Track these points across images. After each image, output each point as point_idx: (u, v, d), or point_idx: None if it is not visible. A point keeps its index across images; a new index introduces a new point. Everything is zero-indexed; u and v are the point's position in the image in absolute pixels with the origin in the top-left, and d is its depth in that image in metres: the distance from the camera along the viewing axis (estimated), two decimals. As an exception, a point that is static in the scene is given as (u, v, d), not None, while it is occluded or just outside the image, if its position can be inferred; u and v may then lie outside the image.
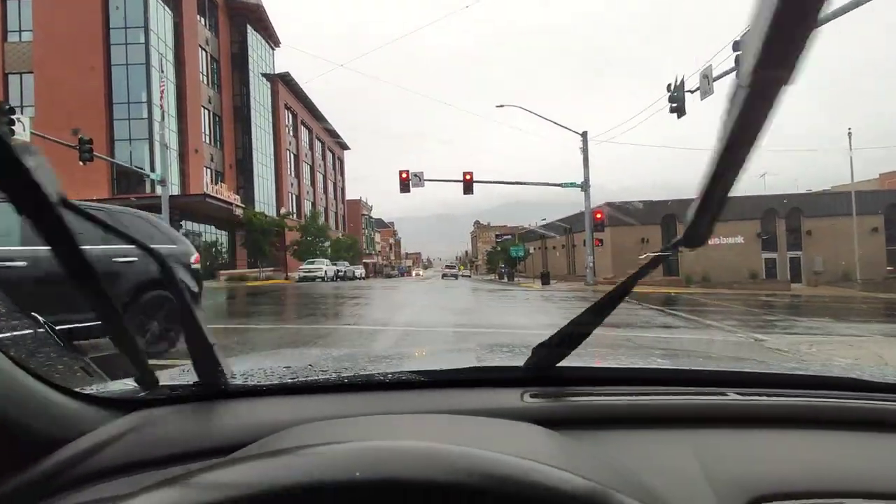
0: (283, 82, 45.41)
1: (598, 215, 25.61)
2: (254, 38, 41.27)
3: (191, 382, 0.82)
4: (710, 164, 0.55)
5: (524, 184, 42.34)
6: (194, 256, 6.04)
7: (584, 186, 25.43)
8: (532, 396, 0.81)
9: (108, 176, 28.48)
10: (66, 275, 0.62)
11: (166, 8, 31.07)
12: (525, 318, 10.59)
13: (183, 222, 28.55)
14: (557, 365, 0.86)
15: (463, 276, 66.28)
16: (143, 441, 0.70)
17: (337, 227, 62.05)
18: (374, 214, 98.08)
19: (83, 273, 0.64)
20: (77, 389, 0.74)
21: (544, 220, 50.25)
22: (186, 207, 28.37)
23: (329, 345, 6.72)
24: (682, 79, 15.10)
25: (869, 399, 0.84)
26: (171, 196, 25.80)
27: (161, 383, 0.82)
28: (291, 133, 48.61)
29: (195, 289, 5.84)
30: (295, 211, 46.00)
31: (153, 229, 5.71)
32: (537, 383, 0.87)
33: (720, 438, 0.74)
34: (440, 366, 0.94)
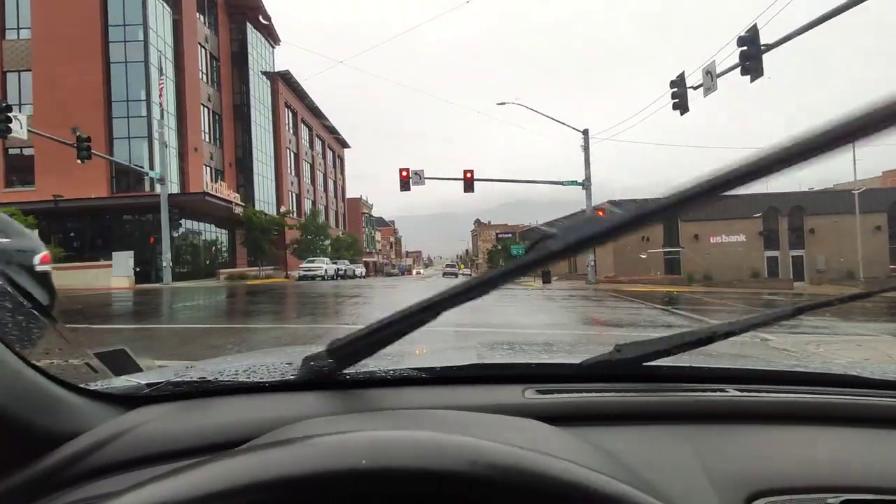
0: (283, 80, 45.27)
1: (600, 213, 25.44)
2: (253, 36, 41.12)
3: (195, 379, 0.84)
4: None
5: (525, 182, 42.25)
6: (40, 255, 4.58)
7: (586, 184, 25.32)
8: (534, 393, 0.82)
9: (107, 174, 28.36)
10: None
11: (165, 5, 30.92)
12: (527, 317, 10.48)
13: (182, 221, 28.47)
14: (558, 362, 0.85)
15: (463, 274, 66.37)
16: (146, 437, 0.69)
17: (337, 226, 61.97)
18: (375, 213, 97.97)
19: None
20: (81, 385, 0.74)
21: (535, 219, 50.15)
22: (186, 206, 28.27)
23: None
24: (684, 74, 14.94)
25: (869, 395, 0.84)
26: (170, 194, 25.74)
27: (165, 380, 0.82)
28: (291, 131, 48.49)
29: (44, 299, 4.22)
30: (295, 209, 45.93)
31: None
32: (539, 380, 0.87)
33: (720, 434, 0.75)
34: (441, 363, 0.93)
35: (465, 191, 23.50)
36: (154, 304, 14.17)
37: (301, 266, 33.93)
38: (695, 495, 0.60)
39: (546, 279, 29.61)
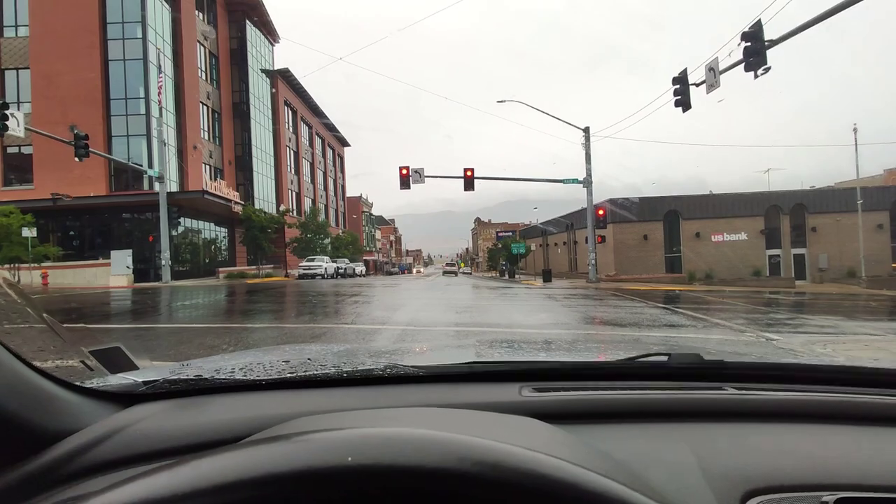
0: (282, 78, 45.10)
1: (601, 212, 25.39)
2: (253, 34, 40.97)
3: (191, 376, 0.83)
4: None
5: (525, 180, 42.16)
6: None
7: (586, 182, 25.19)
8: (530, 391, 0.81)
9: (105, 172, 28.23)
10: None
11: (164, 3, 30.76)
12: (527, 316, 10.36)
13: (181, 219, 28.35)
14: (555, 360, 0.87)
15: (463, 273, 66.40)
16: (143, 434, 0.70)
17: (337, 224, 61.86)
18: (375, 211, 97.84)
19: None
20: (77, 383, 0.74)
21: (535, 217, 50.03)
22: (185, 204, 28.14)
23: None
24: (686, 71, 14.81)
25: (864, 393, 0.84)
26: (169, 193, 25.62)
27: (161, 377, 0.82)
28: (291, 129, 48.34)
29: None
30: (295, 208, 45.82)
31: None
32: (535, 378, 0.87)
33: (716, 432, 0.75)
34: (439, 361, 0.93)
35: (466, 189, 23.37)
36: (152, 303, 14.06)
37: (301, 264, 33.83)
38: (691, 493, 0.60)
39: (547, 278, 29.55)
